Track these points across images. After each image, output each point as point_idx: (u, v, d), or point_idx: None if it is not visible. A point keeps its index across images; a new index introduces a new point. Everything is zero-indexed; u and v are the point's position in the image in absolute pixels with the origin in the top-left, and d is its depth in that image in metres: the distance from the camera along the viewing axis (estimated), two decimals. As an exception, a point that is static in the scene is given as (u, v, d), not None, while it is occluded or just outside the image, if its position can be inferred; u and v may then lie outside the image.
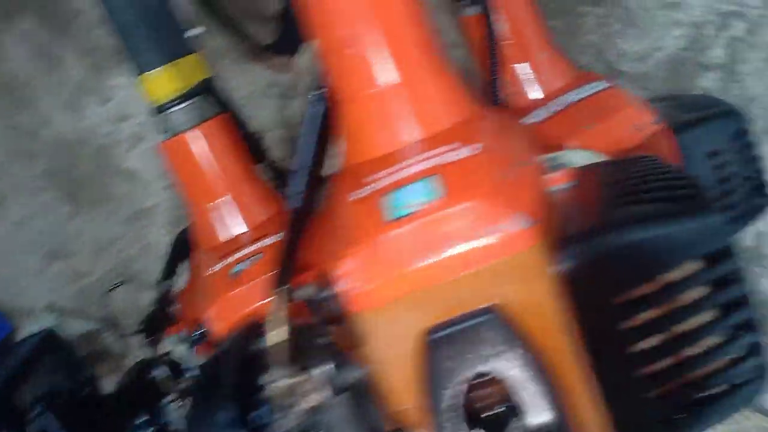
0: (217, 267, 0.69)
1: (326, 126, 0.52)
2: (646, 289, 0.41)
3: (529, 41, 0.76)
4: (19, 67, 0.81)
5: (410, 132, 0.47)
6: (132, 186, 0.90)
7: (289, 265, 0.46)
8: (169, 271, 0.80)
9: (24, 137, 0.85)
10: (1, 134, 0.83)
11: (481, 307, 0.39)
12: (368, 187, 0.44)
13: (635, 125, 0.67)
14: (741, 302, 0.43)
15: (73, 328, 0.90)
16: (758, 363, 0.44)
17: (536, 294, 0.39)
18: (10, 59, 0.80)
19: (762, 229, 1.06)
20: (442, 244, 0.39)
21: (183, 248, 0.80)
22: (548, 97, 0.75)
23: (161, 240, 0.81)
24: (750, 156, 0.73)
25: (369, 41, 0.48)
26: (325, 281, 0.40)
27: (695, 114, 0.73)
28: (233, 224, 0.73)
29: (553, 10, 0.93)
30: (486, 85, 0.73)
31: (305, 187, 0.51)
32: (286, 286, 0.45)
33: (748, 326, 0.44)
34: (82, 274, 0.92)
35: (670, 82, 0.98)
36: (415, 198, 0.40)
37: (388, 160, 0.46)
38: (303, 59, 0.78)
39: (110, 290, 0.86)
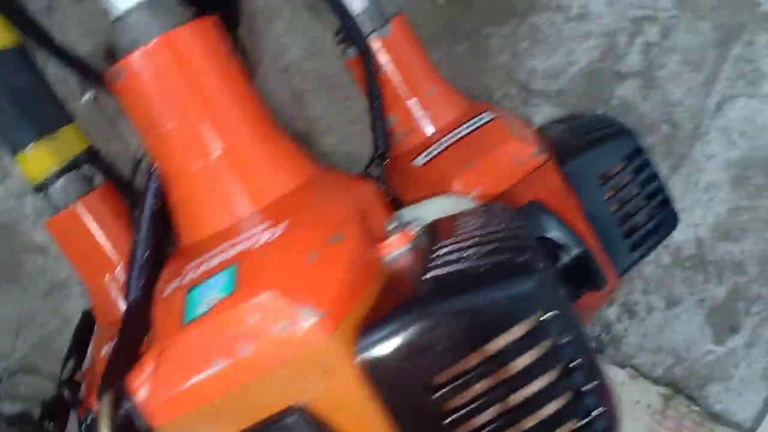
0: (105, 349, 0.68)
1: (164, 206, 0.50)
2: (467, 362, 0.39)
3: (417, 78, 0.75)
4: None
5: (235, 210, 0.46)
6: (44, 260, 0.89)
7: (116, 366, 0.45)
8: (77, 350, 0.78)
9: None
10: None
11: (284, 408, 0.37)
12: (178, 279, 0.42)
13: (517, 159, 0.65)
14: (580, 359, 0.41)
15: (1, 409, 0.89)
16: (604, 426, 0.41)
17: (341, 387, 0.37)
18: None
19: (701, 234, 1.03)
20: (235, 346, 0.37)
21: (90, 324, 0.78)
22: (441, 132, 0.73)
23: (80, 312, 0.79)
24: (648, 174, 0.70)
25: (186, 116, 0.46)
26: (125, 392, 0.38)
27: (588, 137, 0.70)
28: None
29: (455, 35, 0.92)
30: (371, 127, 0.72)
31: (145, 276, 0.49)
32: (112, 391, 0.43)
33: (590, 382, 0.41)
34: (4, 355, 0.91)
35: (587, 95, 0.96)
36: (211, 294, 0.39)
37: (210, 243, 0.44)
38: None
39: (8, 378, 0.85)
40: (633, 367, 1.10)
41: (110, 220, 0.72)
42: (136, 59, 0.45)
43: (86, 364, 0.76)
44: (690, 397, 1.11)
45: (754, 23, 0.96)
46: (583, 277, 0.65)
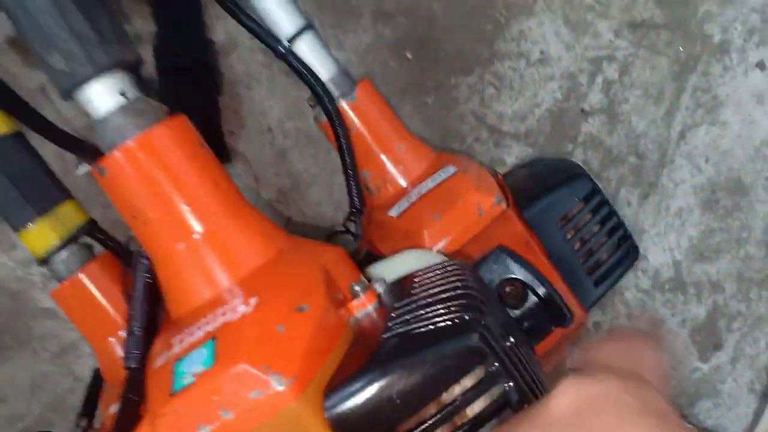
0: (113, 408, 0.74)
1: (154, 281, 0.56)
2: (426, 412, 0.45)
3: (386, 136, 0.81)
4: None
5: (215, 283, 0.51)
6: (53, 323, 0.95)
7: (121, 429, 0.50)
8: (89, 406, 0.83)
9: (-62, 297, 0.90)
10: None
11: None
12: (166, 352, 0.48)
13: (479, 209, 0.71)
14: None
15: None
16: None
17: (314, 443, 0.42)
18: None
19: (678, 257, 1.08)
20: (217, 412, 0.42)
21: (101, 382, 0.84)
22: (412, 184, 0.79)
23: (90, 371, 0.85)
24: (606, 212, 0.76)
25: (167, 205, 0.52)
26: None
27: (548, 182, 0.76)
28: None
29: (424, 87, 0.98)
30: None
31: (142, 347, 0.55)
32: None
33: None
34: (19, 416, 0.96)
35: (555, 134, 1.02)
36: (194, 366, 0.44)
37: (195, 315, 0.50)
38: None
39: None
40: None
41: (111, 285, 0.78)
42: (117, 158, 0.51)
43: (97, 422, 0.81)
44: (681, 415, 1.15)
45: (708, 54, 1.02)
46: (550, 314, 0.71)
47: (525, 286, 0.70)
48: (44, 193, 0.78)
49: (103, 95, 0.52)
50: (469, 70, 0.99)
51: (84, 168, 0.93)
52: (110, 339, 0.78)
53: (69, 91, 0.53)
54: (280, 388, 0.42)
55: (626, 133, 1.03)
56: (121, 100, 0.53)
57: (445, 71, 0.98)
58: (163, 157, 0.52)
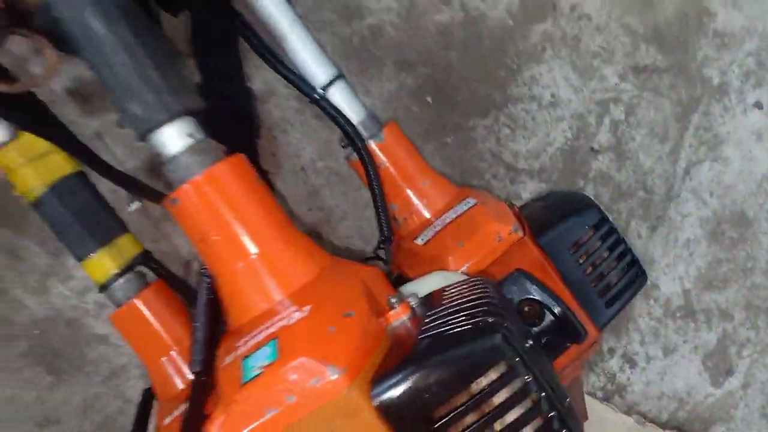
0: (167, 420, 0.82)
1: (215, 297, 0.65)
2: (458, 399, 0.53)
3: (412, 173, 0.90)
4: (-13, 269, 0.97)
5: (270, 297, 0.61)
6: (105, 348, 1.04)
7: (192, 420, 0.59)
8: (140, 424, 0.92)
9: (0, 324, 1.00)
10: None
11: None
12: (233, 352, 0.57)
13: (498, 237, 0.79)
14: (545, 393, 0.54)
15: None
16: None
17: (363, 425, 0.51)
18: (-22, 263, 0.97)
19: (687, 287, 1.16)
20: (282, 397, 0.51)
21: (150, 401, 0.92)
22: (435, 216, 0.88)
23: (139, 392, 0.94)
24: (615, 239, 0.84)
25: (228, 230, 0.62)
26: (203, 435, 0.52)
27: (560, 212, 0.85)
28: (184, 374, 0.86)
29: (444, 129, 1.08)
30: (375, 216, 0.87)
31: (204, 353, 0.64)
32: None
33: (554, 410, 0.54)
34: (73, 436, 1.05)
35: (566, 171, 1.11)
36: (260, 361, 0.53)
37: (254, 323, 0.59)
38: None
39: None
40: (640, 414, 1.21)
41: (163, 310, 0.87)
42: (187, 190, 0.61)
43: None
44: (696, 440, 1.21)
45: (708, 95, 1.12)
46: (565, 332, 0.79)
47: (542, 305, 0.78)
48: (104, 226, 0.87)
49: (174, 137, 0.62)
50: (485, 113, 1.09)
51: (135, 205, 1.03)
52: (162, 359, 0.86)
53: (145, 134, 0.63)
54: (335, 377, 0.51)
55: (634, 169, 1.13)
56: (189, 141, 0.62)
57: (462, 114, 1.08)
58: (225, 189, 0.62)
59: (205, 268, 0.65)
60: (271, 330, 0.56)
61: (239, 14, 0.90)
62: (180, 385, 0.85)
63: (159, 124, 0.62)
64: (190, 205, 0.61)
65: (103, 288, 0.86)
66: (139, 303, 0.86)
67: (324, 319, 0.55)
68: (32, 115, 0.84)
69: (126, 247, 0.88)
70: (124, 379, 1.06)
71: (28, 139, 0.83)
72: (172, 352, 0.86)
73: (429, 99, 1.08)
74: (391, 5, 1.05)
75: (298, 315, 0.56)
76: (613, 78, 1.10)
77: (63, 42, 0.64)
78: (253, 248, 0.62)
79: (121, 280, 0.86)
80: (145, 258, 0.90)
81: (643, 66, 1.09)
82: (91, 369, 1.04)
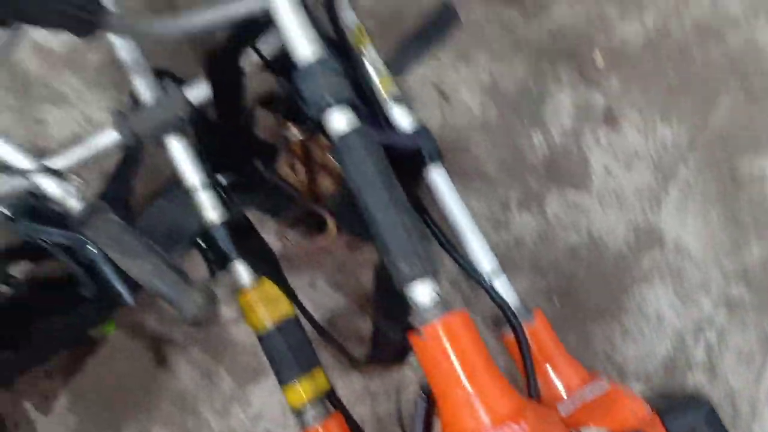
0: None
1: (430, 415, 0.87)
2: None
3: (552, 353, 1.14)
4: (187, 385, 1.20)
5: (482, 422, 0.83)
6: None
7: None
8: None
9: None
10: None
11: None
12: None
13: (632, 411, 1.01)
14: None
15: None
16: None
17: None
18: (181, 378, 1.20)
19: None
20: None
21: None
22: (569, 390, 1.10)
23: None
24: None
25: (452, 363, 0.86)
26: None
27: (677, 404, 1.07)
28: None
29: (567, 327, 1.33)
30: (526, 383, 1.10)
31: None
32: None
33: None
34: None
35: (667, 378, 1.33)
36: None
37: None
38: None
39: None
40: None
41: (339, 438, 1.07)
42: (434, 327, 0.86)
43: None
44: None
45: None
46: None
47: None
48: (307, 359, 1.11)
49: (425, 291, 0.88)
50: (602, 320, 1.34)
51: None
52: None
53: (403, 285, 0.89)
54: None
55: (724, 387, 1.34)
56: (435, 296, 0.89)
57: (583, 318, 1.34)
58: (455, 334, 0.87)
59: (424, 394, 0.88)
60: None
61: (427, 211, 1.20)
62: None
63: (416, 280, 0.89)
64: (431, 340, 0.86)
65: (298, 413, 1.07)
66: (321, 430, 1.07)
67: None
68: (273, 267, 1.12)
69: (319, 380, 1.11)
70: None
71: (267, 285, 1.10)
72: None
73: (556, 300, 1.34)
74: (530, 222, 1.36)
75: (518, 429, 0.78)
76: (708, 307, 1.36)
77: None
78: (470, 385, 0.85)
79: (311, 409, 1.08)
80: (331, 392, 1.12)
81: (734, 300, 1.36)
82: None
